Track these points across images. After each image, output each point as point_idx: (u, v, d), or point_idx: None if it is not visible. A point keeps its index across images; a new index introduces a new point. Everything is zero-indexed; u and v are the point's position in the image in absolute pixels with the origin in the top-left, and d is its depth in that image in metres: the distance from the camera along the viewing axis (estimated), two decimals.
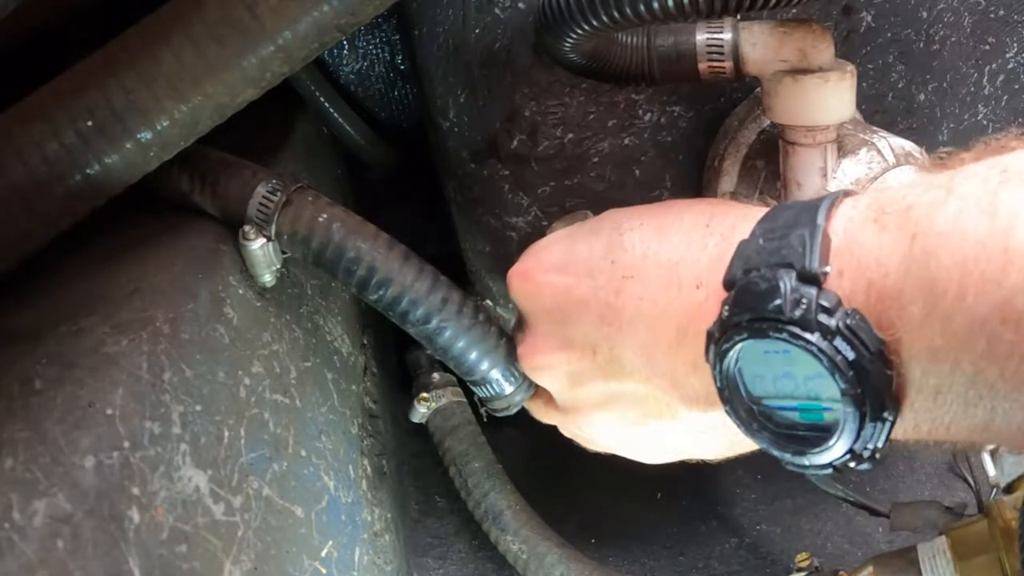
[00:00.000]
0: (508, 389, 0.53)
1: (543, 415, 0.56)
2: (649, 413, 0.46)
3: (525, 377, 0.53)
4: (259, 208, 0.51)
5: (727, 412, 0.37)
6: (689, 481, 0.90)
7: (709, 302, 0.38)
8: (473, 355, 0.51)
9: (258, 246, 0.50)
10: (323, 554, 0.50)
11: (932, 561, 0.60)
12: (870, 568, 0.62)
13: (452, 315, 0.50)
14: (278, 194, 0.51)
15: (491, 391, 0.53)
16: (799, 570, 0.70)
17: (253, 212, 0.51)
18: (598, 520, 0.87)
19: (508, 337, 0.53)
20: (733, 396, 0.36)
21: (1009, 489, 0.65)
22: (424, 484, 0.89)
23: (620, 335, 0.43)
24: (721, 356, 0.35)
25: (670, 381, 0.41)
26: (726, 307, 0.35)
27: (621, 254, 0.44)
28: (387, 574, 0.63)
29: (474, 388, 0.54)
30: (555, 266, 0.48)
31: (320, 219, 0.50)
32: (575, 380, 0.49)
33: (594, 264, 0.45)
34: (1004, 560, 0.57)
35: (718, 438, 0.45)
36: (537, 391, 0.54)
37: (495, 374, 0.52)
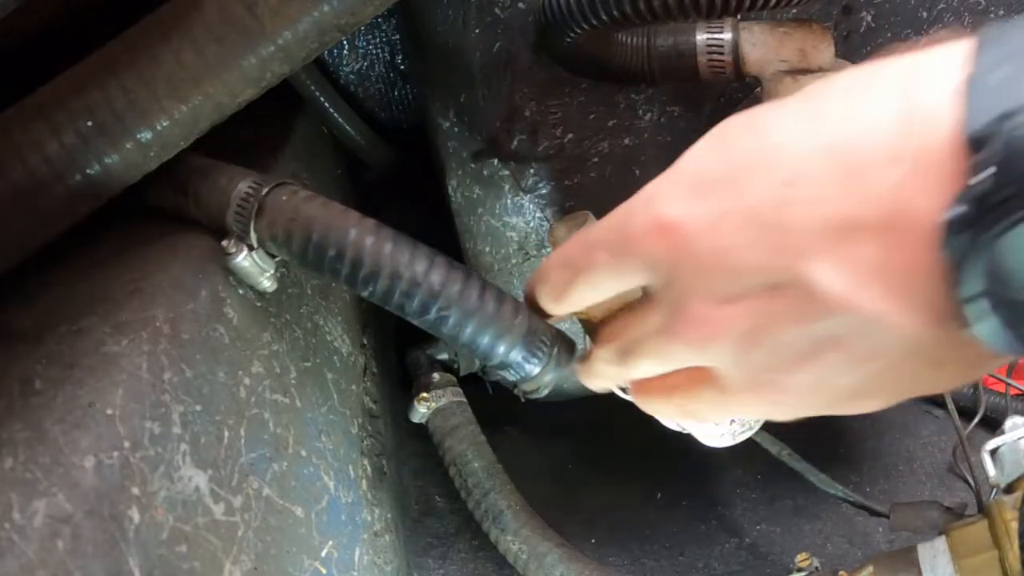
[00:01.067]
0: (534, 370, 0.48)
1: (680, 402, 0.43)
2: (873, 350, 0.34)
3: (553, 353, 0.47)
4: (236, 218, 0.48)
5: (1002, 330, 0.27)
6: (689, 481, 0.90)
7: (918, 179, 0.28)
8: (485, 340, 0.46)
9: (242, 258, 0.48)
10: (323, 554, 0.50)
11: (932, 561, 0.60)
12: (870, 568, 0.62)
13: (452, 301, 0.45)
14: (250, 201, 0.48)
15: (517, 374, 0.48)
16: (799, 570, 0.70)
17: (232, 222, 0.49)
18: (598, 520, 0.87)
19: (527, 311, 0.47)
20: (1010, 302, 0.26)
21: (1009, 489, 0.65)
22: (424, 484, 0.89)
23: (804, 261, 0.32)
24: (987, 248, 0.25)
25: (895, 303, 0.31)
26: (981, 176, 0.25)
27: (771, 156, 0.33)
28: (387, 574, 0.62)
29: (501, 373, 0.49)
30: (691, 199, 0.36)
31: (295, 219, 0.47)
32: (753, 341, 0.36)
33: (738, 180, 0.34)
34: (1004, 560, 0.57)
35: (959, 361, 0.33)
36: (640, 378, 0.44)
37: (515, 356, 0.47)
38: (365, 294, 0.46)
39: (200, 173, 0.51)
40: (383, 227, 0.46)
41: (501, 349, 0.46)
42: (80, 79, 0.46)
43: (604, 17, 0.51)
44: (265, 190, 0.48)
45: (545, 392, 0.51)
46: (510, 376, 0.48)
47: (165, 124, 0.47)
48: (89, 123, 0.45)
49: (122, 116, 0.46)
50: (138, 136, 0.46)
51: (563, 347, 0.49)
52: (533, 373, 0.48)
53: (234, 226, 0.49)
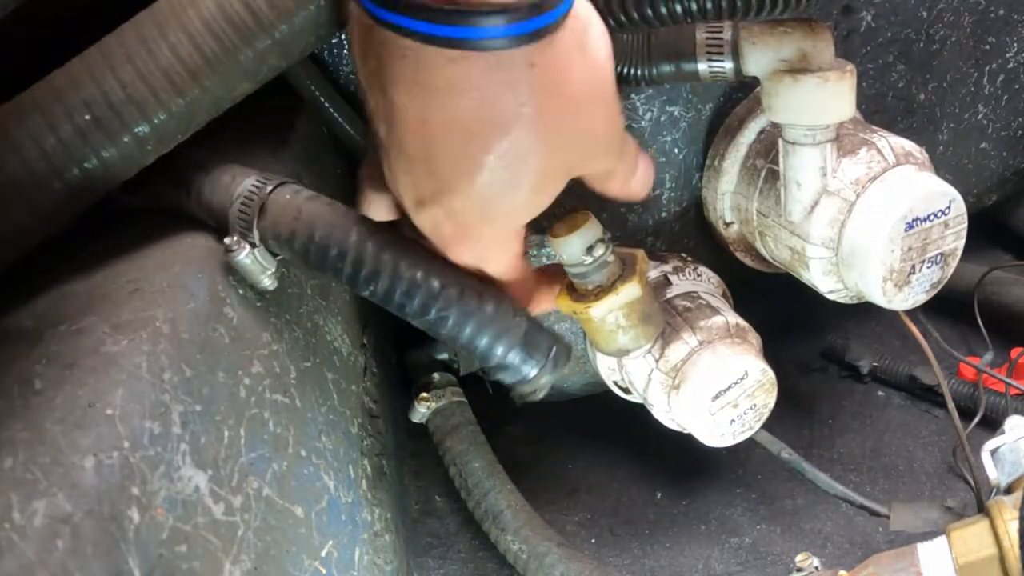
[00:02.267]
0: (531, 372, 0.47)
1: None
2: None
3: (550, 356, 0.48)
4: (239, 216, 0.49)
5: None
6: (689, 481, 0.90)
7: None
8: (484, 341, 0.46)
9: (244, 255, 0.48)
10: (323, 554, 0.50)
11: (932, 561, 0.60)
12: (870, 568, 0.62)
13: (451, 302, 0.45)
14: (254, 199, 0.48)
15: (514, 376, 0.48)
16: (799, 570, 0.70)
17: (234, 220, 0.49)
18: (598, 520, 0.87)
19: (525, 314, 0.48)
20: None
21: (1009, 489, 0.65)
22: (424, 484, 0.89)
23: None
24: None
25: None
26: None
27: None
28: (387, 574, 0.62)
29: (497, 376, 0.50)
30: None
31: (298, 218, 0.47)
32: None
33: None
34: (1004, 560, 0.57)
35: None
36: None
37: (513, 357, 0.46)
38: (366, 294, 0.47)
39: (203, 170, 0.52)
40: (385, 228, 0.47)
41: (499, 350, 0.46)
42: (77, 74, 0.46)
43: (610, 21, 0.51)
44: (269, 189, 0.49)
45: (541, 395, 0.51)
46: (507, 378, 0.48)
47: (162, 118, 0.47)
48: (87, 117, 0.46)
49: (120, 110, 0.46)
50: (135, 130, 0.46)
51: (560, 350, 0.49)
52: (530, 375, 0.47)
53: (237, 224, 0.49)
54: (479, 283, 0.46)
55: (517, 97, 0.38)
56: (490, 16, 0.35)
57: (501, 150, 0.39)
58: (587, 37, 0.40)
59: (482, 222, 0.42)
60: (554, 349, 0.48)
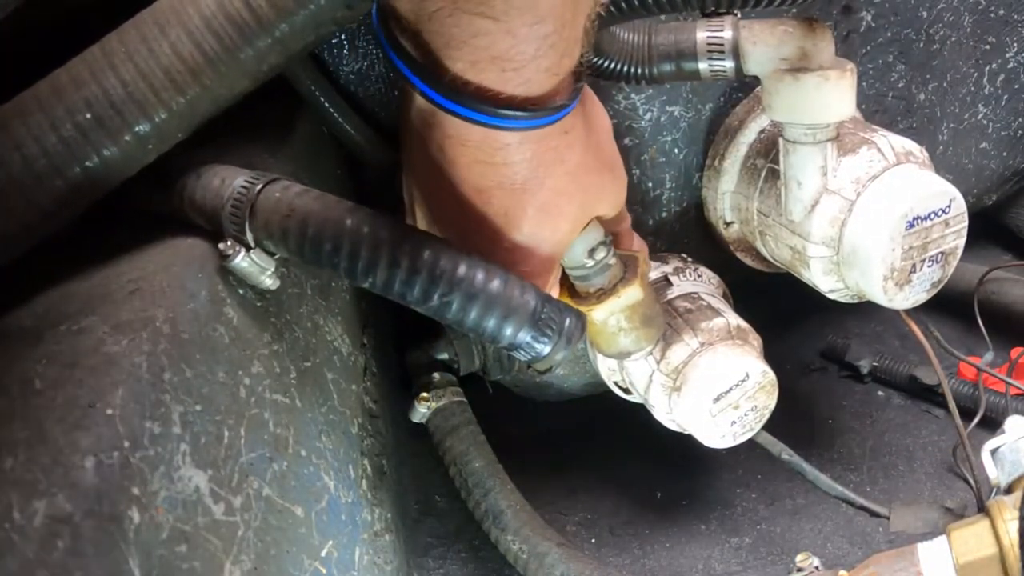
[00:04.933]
0: (544, 349, 0.45)
1: None
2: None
3: (563, 330, 0.46)
4: (231, 219, 0.48)
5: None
6: (689, 481, 0.90)
7: None
8: (491, 322, 0.44)
9: (240, 259, 0.48)
10: (323, 554, 0.50)
11: (932, 561, 0.60)
12: (870, 568, 0.62)
13: (454, 285, 0.44)
14: (243, 201, 0.47)
15: (527, 354, 0.46)
16: (799, 570, 0.70)
17: (227, 224, 0.48)
18: (598, 520, 0.87)
19: (534, 290, 0.46)
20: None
21: (1009, 489, 0.65)
22: (424, 484, 0.88)
23: None
24: None
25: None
26: None
27: None
28: (387, 574, 0.62)
29: (512, 354, 0.48)
30: None
31: (289, 216, 0.46)
32: None
33: None
34: (1004, 560, 0.57)
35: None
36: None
37: (523, 337, 0.45)
38: (366, 285, 0.45)
39: (194, 176, 0.51)
40: (379, 216, 0.45)
41: (508, 331, 0.44)
42: (78, 72, 0.46)
43: (612, 9, 0.51)
44: (257, 188, 0.48)
45: (558, 369, 0.50)
46: (521, 357, 0.46)
47: (163, 117, 0.47)
48: (88, 116, 0.46)
49: (121, 109, 0.46)
50: (136, 129, 0.46)
51: (573, 323, 0.47)
52: (544, 353, 0.46)
53: (230, 228, 0.48)
54: (483, 260, 0.45)
55: (558, 155, 0.46)
56: (549, 108, 0.42)
57: (543, 198, 0.47)
58: (587, 91, 0.49)
59: (526, 260, 0.50)
60: (567, 323, 0.46)
